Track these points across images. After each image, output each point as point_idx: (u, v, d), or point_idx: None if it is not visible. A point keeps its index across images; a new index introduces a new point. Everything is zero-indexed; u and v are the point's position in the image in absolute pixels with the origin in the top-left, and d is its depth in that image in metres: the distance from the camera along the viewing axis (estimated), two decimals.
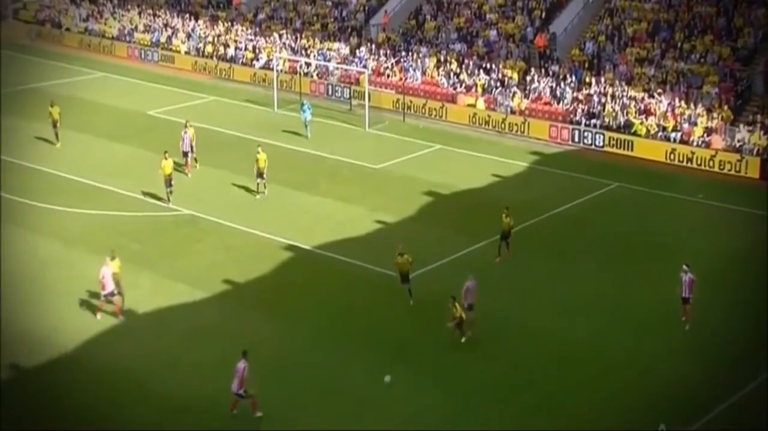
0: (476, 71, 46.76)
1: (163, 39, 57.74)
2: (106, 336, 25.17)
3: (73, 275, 28.62)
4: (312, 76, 50.59)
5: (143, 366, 23.61)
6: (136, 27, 59.92)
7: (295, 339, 25.07)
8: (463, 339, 24.32)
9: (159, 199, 33.98)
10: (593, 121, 41.89)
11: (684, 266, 25.05)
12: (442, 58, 48.41)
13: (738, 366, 23.43)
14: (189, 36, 57.19)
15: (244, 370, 21.03)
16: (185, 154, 36.84)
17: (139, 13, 61.41)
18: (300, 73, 50.22)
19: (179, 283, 28.01)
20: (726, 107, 40.00)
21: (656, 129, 40.41)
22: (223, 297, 27.39)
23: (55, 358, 24.04)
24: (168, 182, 33.65)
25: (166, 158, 33.91)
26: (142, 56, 57.87)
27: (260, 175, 34.56)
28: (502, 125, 43.72)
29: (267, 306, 26.88)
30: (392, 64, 49.18)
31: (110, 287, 25.46)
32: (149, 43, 58.10)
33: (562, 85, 44.17)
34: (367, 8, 54.57)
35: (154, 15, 60.85)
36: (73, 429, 21.19)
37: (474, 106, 45.04)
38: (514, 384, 22.91)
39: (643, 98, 41.88)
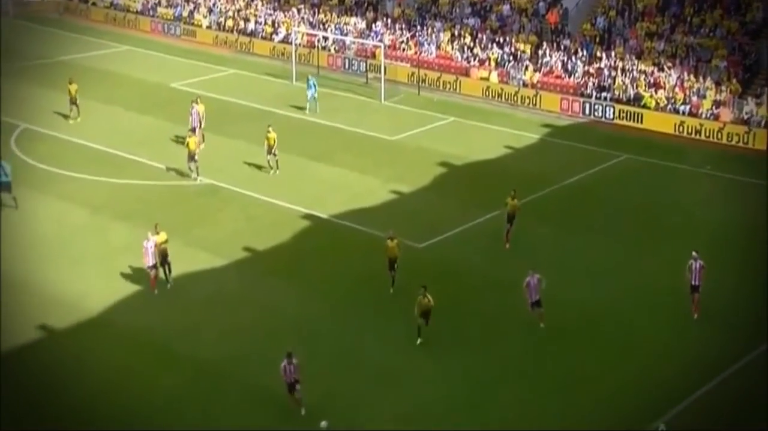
0: (489, 45, 46.26)
1: (185, 13, 57.36)
2: (132, 301, 25.13)
3: (101, 242, 28.61)
4: (329, 50, 50.16)
5: (167, 330, 23.59)
6: (159, 2, 59.47)
7: (313, 307, 24.94)
8: (542, 325, 23.29)
9: (182, 174, 33.67)
10: (604, 94, 41.41)
11: (693, 253, 23.81)
12: (456, 33, 47.86)
13: (743, 333, 23.12)
14: (210, 11, 56.77)
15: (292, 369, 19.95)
16: (193, 129, 35.82)
17: None
18: (318, 47, 49.83)
19: (201, 251, 27.91)
20: (734, 81, 39.47)
21: (665, 102, 39.92)
22: (243, 264, 27.28)
23: (84, 321, 24.04)
24: (191, 158, 33.18)
25: (190, 135, 33.59)
26: (165, 30, 57.51)
27: (270, 152, 33.82)
28: (515, 98, 43.29)
29: (286, 274, 26.75)
30: (407, 38, 48.68)
31: (152, 260, 25.01)
32: (172, 18, 57.72)
33: (574, 59, 43.66)
34: None
35: None
36: (100, 390, 21.17)
37: (487, 79, 44.62)
38: (526, 354, 22.71)
39: (652, 72, 41.35)
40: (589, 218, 30.53)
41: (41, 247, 28.24)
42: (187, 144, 33.35)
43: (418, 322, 22.74)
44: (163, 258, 25.30)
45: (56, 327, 23.80)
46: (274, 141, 33.82)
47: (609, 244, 28.46)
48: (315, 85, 41.62)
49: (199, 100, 37.13)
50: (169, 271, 25.59)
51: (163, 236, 25.42)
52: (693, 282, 23.70)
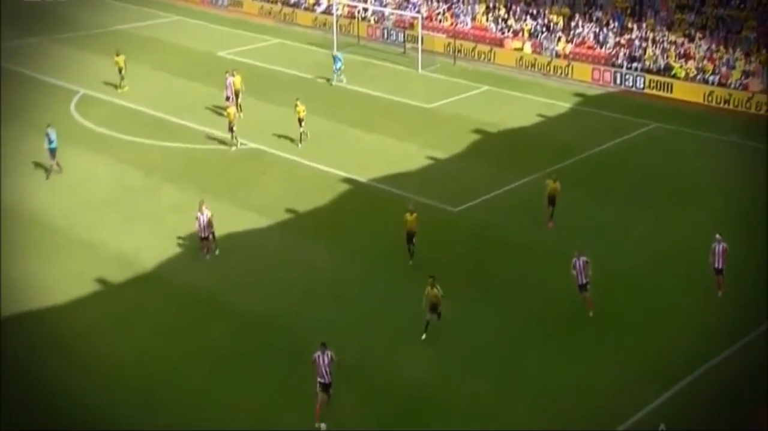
0: (523, 17, 45.57)
1: None
2: (182, 259, 25.35)
3: (153, 202, 28.80)
4: (369, 21, 49.71)
5: (214, 286, 23.78)
6: None
7: (350, 267, 24.93)
8: (591, 313, 21.92)
9: (226, 141, 33.70)
10: (634, 64, 40.66)
11: (717, 236, 22.58)
12: (490, 5, 47.19)
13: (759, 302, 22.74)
14: None
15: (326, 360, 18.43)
16: (228, 98, 35.54)
17: None
18: (358, 18, 49.39)
19: (246, 211, 27.99)
20: (764, 51, 38.49)
21: (695, 72, 39.10)
22: (285, 225, 27.32)
23: (137, 277, 24.32)
24: (230, 128, 32.76)
25: (228, 106, 33.43)
26: (213, 1, 57.35)
27: (300, 123, 32.89)
28: (547, 68, 42.65)
29: (326, 234, 26.76)
30: (444, 10, 48.10)
31: (205, 232, 24.84)
32: None
33: (605, 30, 42.88)
34: None
35: None
36: (151, 341, 21.46)
37: (521, 50, 44.01)
38: (554, 317, 22.55)
39: (683, 43, 40.47)
40: (619, 185, 30.10)
41: (99, 206, 28.51)
42: (228, 114, 33.11)
43: (426, 317, 20.80)
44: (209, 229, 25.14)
45: (112, 281, 24.09)
46: (304, 113, 32.93)
47: (638, 210, 28.05)
48: (341, 60, 41.07)
49: (235, 72, 36.72)
50: (214, 239, 25.38)
51: (208, 212, 25.06)
52: (716, 265, 22.50)
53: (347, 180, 30.53)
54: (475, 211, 28.01)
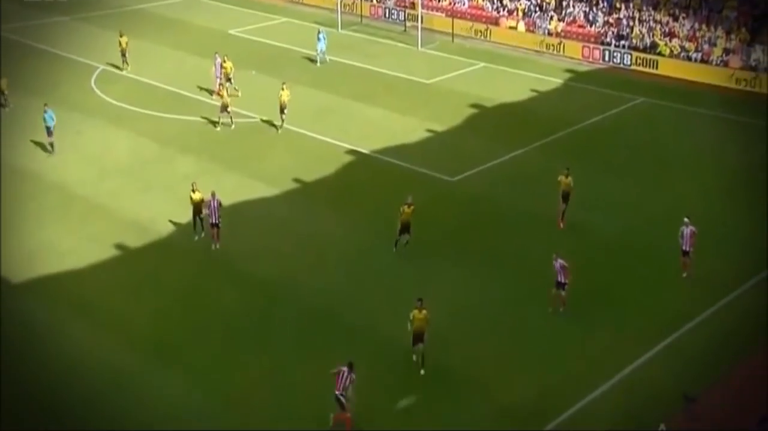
0: None
1: None
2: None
3: (168, 172, 28.36)
4: (371, 1, 48.78)
5: (227, 251, 23.41)
6: None
7: (358, 232, 24.59)
8: (553, 310, 20.39)
9: (237, 114, 33.06)
10: (622, 42, 39.96)
11: (685, 220, 21.53)
12: None
13: (746, 261, 22.37)
14: None
15: (351, 380, 16.82)
16: (217, 78, 34.30)
17: None
18: None
19: (257, 181, 27.55)
20: (743, 30, 37.81)
21: (679, 50, 38.42)
22: (294, 194, 26.91)
23: (154, 242, 23.96)
24: (224, 108, 31.10)
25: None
26: None
27: (282, 110, 30.91)
28: (540, 46, 41.90)
29: (332, 203, 26.36)
30: None
31: (215, 218, 23.13)
32: None
33: (595, 9, 42.11)
34: None
35: None
36: (172, 303, 21.15)
37: (515, 28, 43.24)
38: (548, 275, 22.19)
39: (667, 22, 39.74)
40: (608, 156, 29.61)
41: (118, 176, 28.08)
42: (221, 96, 31.64)
43: (413, 349, 18.27)
44: (198, 211, 23.55)
45: (130, 246, 23.74)
46: (288, 98, 30.81)
47: (625, 180, 27.61)
48: (325, 38, 39.56)
49: (226, 57, 34.80)
50: (203, 226, 23.67)
51: (198, 195, 23.59)
52: (684, 248, 21.47)
53: (351, 152, 30.02)
54: (471, 180, 27.57)
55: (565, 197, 24.03)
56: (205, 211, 23.42)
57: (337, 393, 16.71)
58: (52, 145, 29.26)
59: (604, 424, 16.96)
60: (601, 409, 17.36)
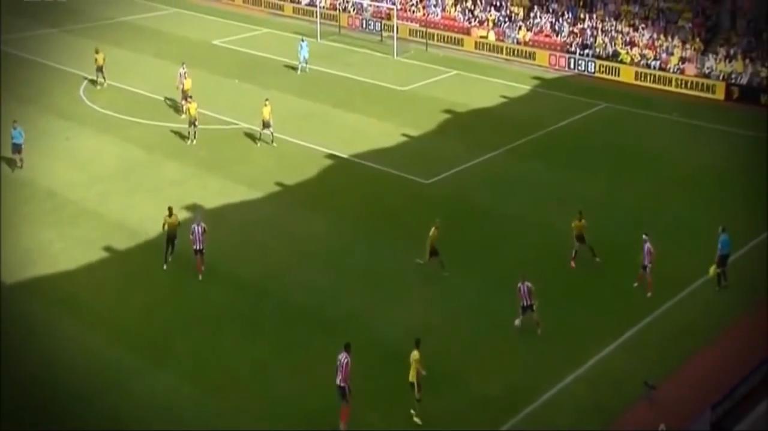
0: (488, 8, 44.97)
1: None
2: (182, 227, 24.66)
3: (154, 176, 28.24)
4: (349, 12, 48.85)
5: (212, 252, 23.07)
6: None
7: (338, 232, 24.62)
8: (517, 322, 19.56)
9: (222, 120, 32.95)
10: (586, 51, 40.32)
11: (644, 236, 20.89)
12: None
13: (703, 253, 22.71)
14: None
15: (347, 364, 16.29)
16: (180, 89, 33.60)
17: None
18: (339, 9, 48.52)
19: (239, 185, 27.49)
20: (698, 40, 38.35)
21: (639, 58, 38.86)
22: (276, 197, 26.87)
23: (141, 244, 23.82)
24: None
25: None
26: None
27: (266, 126, 30.00)
28: (510, 54, 42.16)
29: (313, 204, 26.36)
30: (417, 1, 47.34)
31: (200, 244, 21.62)
32: None
33: (560, 20, 42.46)
34: None
35: None
36: (157, 300, 21.04)
37: (486, 37, 43.49)
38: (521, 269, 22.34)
39: (628, 32, 40.18)
40: (575, 158, 29.84)
41: (106, 180, 27.90)
42: (188, 110, 30.73)
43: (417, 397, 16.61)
44: (171, 238, 22.09)
45: (119, 248, 23.59)
46: (270, 114, 29.82)
47: (592, 179, 27.85)
48: (308, 47, 39.22)
49: (187, 74, 33.45)
50: (173, 251, 22.14)
51: (175, 219, 22.22)
52: (644, 262, 20.75)
53: (331, 156, 30.03)
54: (445, 182, 27.69)
55: (580, 239, 22.38)
56: (189, 237, 21.63)
57: (338, 382, 16.11)
58: (21, 161, 27.89)
59: (570, 412, 17.13)
60: (567, 399, 17.52)
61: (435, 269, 21.61)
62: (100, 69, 36.66)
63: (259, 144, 30.62)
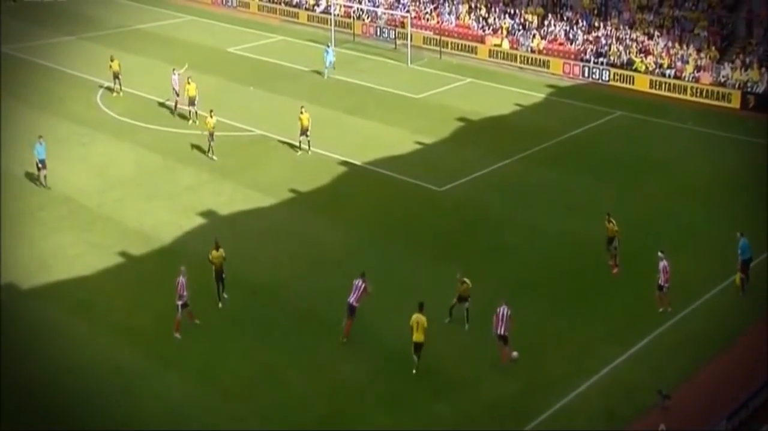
0: (502, 16, 45.03)
1: None
2: (197, 233, 25.00)
3: (169, 182, 28.43)
4: (363, 20, 49.07)
5: (227, 256, 23.19)
6: None
7: (351, 238, 24.72)
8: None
9: (237, 127, 33.16)
10: (600, 59, 40.27)
11: (659, 253, 20.33)
12: (473, 5, 46.60)
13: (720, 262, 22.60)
14: None
15: (364, 288, 18.97)
16: (176, 94, 33.69)
17: None
18: (353, 17, 48.74)
19: (254, 191, 27.65)
20: (713, 48, 38.22)
21: (654, 66, 38.75)
22: (289, 203, 27.00)
23: (157, 249, 24.02)
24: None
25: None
26: (224, 2, 56.52)
27: (303, 133, 30.18)
28: (524, 62, 42.19)
29: (326, 211, 26.46)
30: (431, 9, 47.49)
31: (183, 298, 19.92)
32: None
33: (575, 28, 42.44)
34: None
35: None
36: (170, 305, 21.16)
37: (500, 45, 43.51)
38: (530, 272, 22.32)
39: (643, 40, 40.09)
40: (589, 166, 29.78)
41: (122, 186, 28.13)
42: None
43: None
44: (218, 274, 20.99)
45: (134, 253, 23.78)
46: (308, 121, 29.97)
47: (605, 188, 27.76)
48: (333, 52, 40.09)
49: (189, 79, 33.34)
50: (223, 287, 21.04)
51: (220, 252, 21.01)
52: (660, 282, 20.22)
53: (344, 163, 30.15)
54: (458, 190, 27.74)
55: (611, 241, 22.25)
56: (176, 290, 19.82)
57: (350, 301, 18.86)
58: (45, 178, 27.41)
59: (583, 420, 17.08)
60: (579, 407, 17.47)
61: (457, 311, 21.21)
62: (116, 76, 36.94)
63: (299, 153, 30.37)
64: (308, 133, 30.26)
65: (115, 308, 21.21)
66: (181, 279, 19.87)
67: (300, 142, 30.70)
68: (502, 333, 18.34)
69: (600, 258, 23.00)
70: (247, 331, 20.21)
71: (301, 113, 30.40)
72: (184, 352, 19.41)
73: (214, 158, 29.98)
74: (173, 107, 34.53)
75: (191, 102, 33.24)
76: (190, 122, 33.27)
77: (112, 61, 37.18)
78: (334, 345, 19.25)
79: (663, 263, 20.23)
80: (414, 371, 18.23)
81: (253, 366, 18.89)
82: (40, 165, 27.40)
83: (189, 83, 33.42)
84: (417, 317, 18.14)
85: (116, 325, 20.42)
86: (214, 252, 20.99)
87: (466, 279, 19.88)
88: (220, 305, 20.97)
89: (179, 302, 19.80)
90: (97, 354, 19.28)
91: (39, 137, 28.09)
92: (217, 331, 20.20)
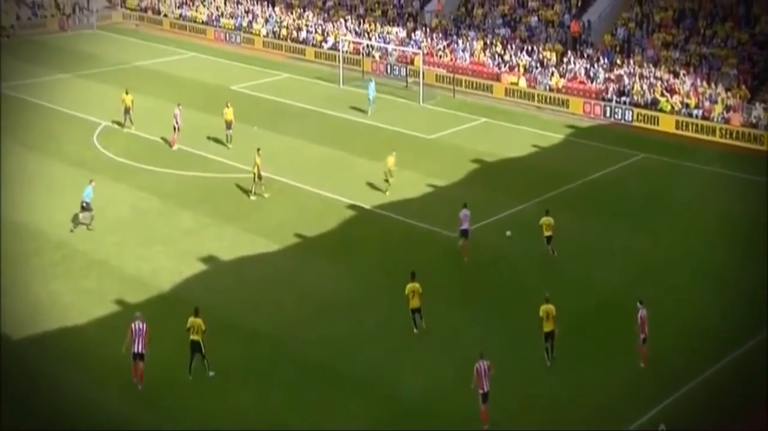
0: (519, 53, 45.99)
1: (244, 23, 57.84)
2: (196, 279, 25.48)
3: (168, 225, 29.04)
4: (373, 57, 50.19)
5: (228, 305, 23.87)
6: (222, 13, 60.05)
7: (358, 285, 25.13)
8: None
9: (241, 169, 33.93)
10: (623, 98, 40.99)
11: (638, 304, 20.58)
12: (488, 42, 47.66)
13: (746, 317, 22.87)
14: (267, 21, 57.13)
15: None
16: (175, 129, 36.12)
17: (225, 1, 61.49)
18: (363, 54, 49.88)
19: (258, 236, 28.18)
20: (743, 87, 38.86)
21: (680, 106, 39.39)
22: (295, 249, 27.49)
23: (155, 297, 24.47)
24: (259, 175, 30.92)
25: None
26: (227, 38, 58.00)
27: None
28: (542, 101, 42.98)
29: (333, 257, 26.93)
30: (444, 46, 48.55)
31: (140, 346, 19.91)
32: (233, 27, 58.24)
33: (596, 66, 43.25)
34: None
35: (237, 2, 60.89)
36: (170, 355, 21.55)
37: (516, 84, 44.36)
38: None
39: (668, 79, 40.81)
40: (611, 211, 30.22)
41: (119, 230, 28.73)
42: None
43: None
44: (196, 345, 20.15)
45: (131, 301, 24.20)
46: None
47: (629, 233, 28.18)
48: (374, 88, 41.34)
49: (228, 103, 36.82)
50: (208, 365, 20.42)
51: (199, 321, 20.28)
52: (640, 334, 20.35)
53: (352, 206, 30.71)
54: (473, 235, 28.12)
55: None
56: (129, 337, 19.69)
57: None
58: (92, 218, 28.36)
59: None
60: None
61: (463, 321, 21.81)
62: (127, 111, 38.25)
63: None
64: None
65: (112, 358, 21.49)
66: (138, 325, 19.64)
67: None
68: (486, 389, 18.32)
69: (619, 306, 23.10)
70: (249, 381, 20.50)
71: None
72: (182, 403, 19.73)
73: (257, 196, 30.82)
74: (171, 143, 35.46)
75: (228, 126, 36.29)
76: (230, 145, 36.16)
77: (126, 94, 38.46)
78: (339, 396, 19.53)
79: (641, 314, 20.29)
80: (415, 330, 21.84)
81: (255, 416, 19.15)
82: (84, 205, 28.36)
83: (228, 107, 36.52)
84: (412, 286, 21.89)
85: (112, 376, 20.74)
86: (192, 319, 20.08)
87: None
88: (190, 377, 20.35)
89: (133, 350, 19.52)
90: (90, 406, 19.59)
91: (90, 180, 28.94)
92: (218, 381, 20.44)
